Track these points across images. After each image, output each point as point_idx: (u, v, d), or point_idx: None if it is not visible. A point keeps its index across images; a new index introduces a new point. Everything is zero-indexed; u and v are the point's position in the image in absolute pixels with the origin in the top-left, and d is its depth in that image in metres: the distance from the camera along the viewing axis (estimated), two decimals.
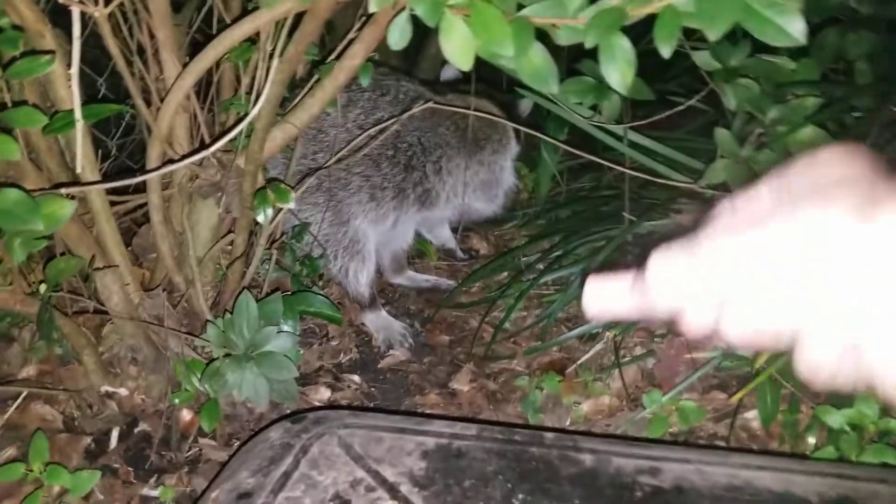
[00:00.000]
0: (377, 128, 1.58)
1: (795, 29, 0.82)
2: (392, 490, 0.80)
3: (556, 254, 1.84)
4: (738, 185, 1.42)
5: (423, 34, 2.06)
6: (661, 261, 0.46)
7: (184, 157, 1.13)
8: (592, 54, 1.01)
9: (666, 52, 0.95)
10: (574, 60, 1.55)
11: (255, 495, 0.80)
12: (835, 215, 0.39)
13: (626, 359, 1.51)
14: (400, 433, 0.91)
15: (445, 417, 1.03)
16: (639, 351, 1.55)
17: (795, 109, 1.35)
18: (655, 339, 1.56)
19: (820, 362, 0.41)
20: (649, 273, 0.46)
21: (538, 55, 1.00)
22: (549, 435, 0.86)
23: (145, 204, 1.35)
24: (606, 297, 0.50)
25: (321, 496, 0.80)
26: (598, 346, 1.57)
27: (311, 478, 0.83)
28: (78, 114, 1.04)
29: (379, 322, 1.78)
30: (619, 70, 0.96)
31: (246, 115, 1.03)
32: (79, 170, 1.04)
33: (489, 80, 1.86)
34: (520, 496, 0.77)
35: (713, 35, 0.84)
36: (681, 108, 1.56)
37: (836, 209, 0.39)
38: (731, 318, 0.43)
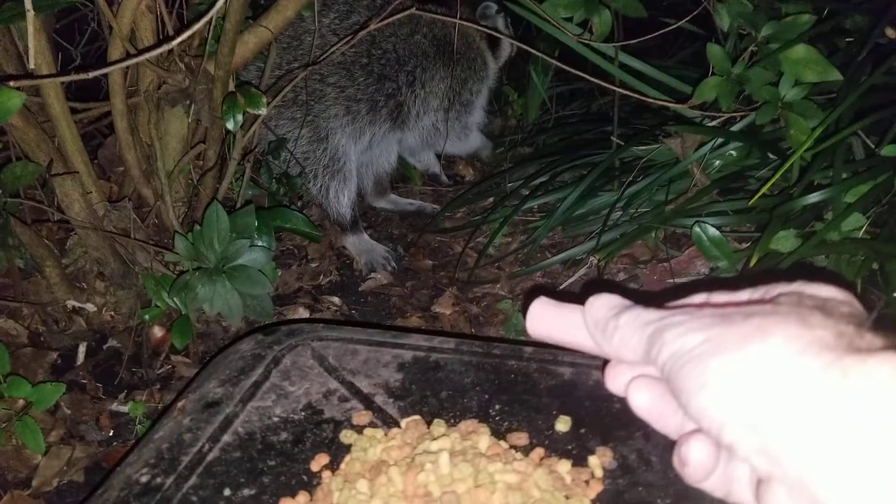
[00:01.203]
0: (361, 34, 1.50)
1: None
2: (366, 400, 0.78)
3: (542, 180, 1.80)
4: (728, 103, 1.35)
5: None
6: (601, 305, 0.48)
7: (142, 51, 1.05)
8: None
9: None
10: None
11: (223, 404, 0.77)
12: (808, 352, 0.35)
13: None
14: (376, 346, 0.87)
15: (425, 332, 1.00)
16: (622, 276, 1.52)
17: (789, 26, 1.29)
18: (639, 265, 1.54)
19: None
20: (586, 314, 0.49)
21: None
22: (529, 349, 0.83)
23: (110, 113, 1.27)
24: (551, 319, 0.52)
25: (292, 406, 0.77)
26: (582, 271, 1.54)
27: (283, 388, 0.80)
28: (29, 3, 0.96)
29: (361, 245, 1.74)
30: None
31: (210, 7, 0.95)
32: (31, 65, 0.96)
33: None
34: (497, 406, 0.74)
35: None
36: (673, 27, 1.49)
37: (812, 347, 0.35)
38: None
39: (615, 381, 0.48)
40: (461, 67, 1.78)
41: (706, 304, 0.45)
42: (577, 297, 0.52)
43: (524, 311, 0.53)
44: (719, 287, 0.47)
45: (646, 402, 0.46)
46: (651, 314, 0.45)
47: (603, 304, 0.48)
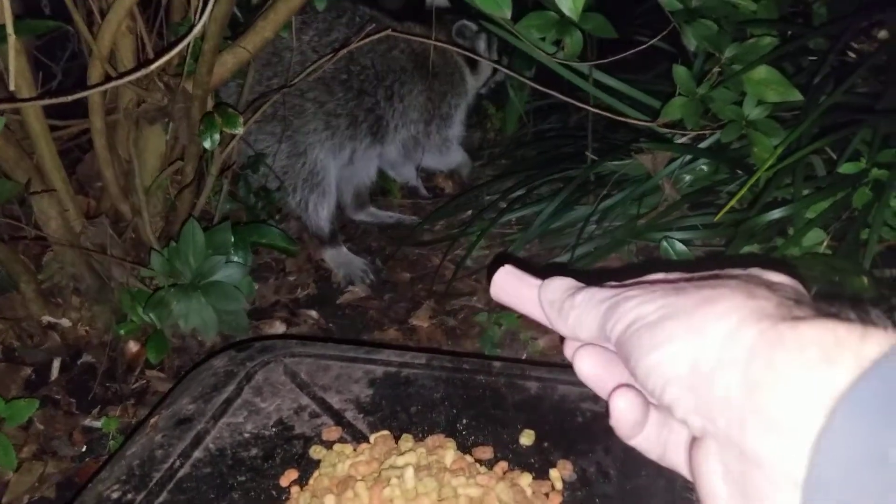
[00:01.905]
0: (339, 54, 1.52)
1: None
2: (337, 416, 0.79)
3: (519, 193, 1.83)
4: (693, 122, 1.38)
5: None
6: (556, 287, 0.49)
7: (122, 74, 1.07)
8: None
9: None
10: None
11: (194, 420, 0.79)
12: (749, 319, 0.37)
13: None
14: (349, 362, 0.89)
15: (397, 347, 1.02)
16: None
17: (751, 48, 1.33)
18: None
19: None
20: (541, 295, 0.50)
21: None
22: (498, 364, 0.86)
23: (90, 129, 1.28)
24: (511, 291, 0.53)
25: (263, 422, 0.79)
26: None
27: (254, 404, 0.82)
28: (10, 27, 0.97)
29: (339, 258, 1.75)
30: None
31: (188, 32, 0.97)
32: (12, 87, 0.97)
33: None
34: (464, 421, 0.76)
35: None
36: (644, 47, 1.53)
37: (754, 314, 0.37)
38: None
39: (568, 353, 0.50)
40: (439, 81, 1.81)
41: (662, 280, 0.47)
42: (541, 271, 0.54)
43: (489, 277, 0.54)
44: (676, 269, 0.49)
45: (590, 368, 0.47)
46: (605, 292, 0.46)
47: (558, 286, 0.49)
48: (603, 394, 0.47)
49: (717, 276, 0.44)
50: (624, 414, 0.44)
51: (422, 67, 1.76)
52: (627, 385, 0.45)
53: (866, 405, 0.31)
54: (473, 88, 1.95)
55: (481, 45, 1.87)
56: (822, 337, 0.34)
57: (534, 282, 0.51)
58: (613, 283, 0.48)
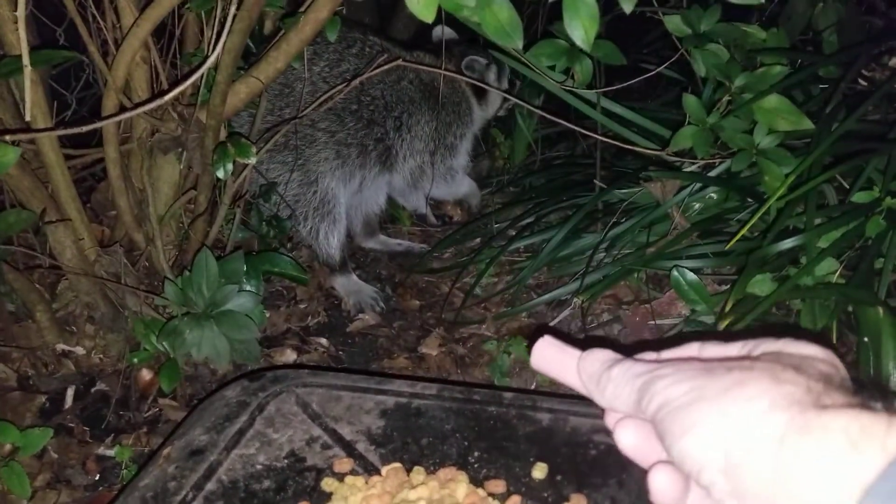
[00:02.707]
0: (349, 86, 1.55)
1: None
2: (348, 447, 0.79)
3: (528, 221, 1.83)
4: (704, 151, 1.38)
5: None
6: (594, 359, 0.51)
7: (137, 105, 1.09)
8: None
9: (627, 7, 0.93)
10: (551, 24, 1.53)
11: (207, 452, 0.79)
12: (777, 406, 0.39)
13: (594, 324, 1.52)
14: (360, 392, 0.89)
15: (408, 378, 1.02)
16: (606, 317, 1.55)
17: (762, 77, 1.34)
18: (623, 306, 1.56)
19: None
20: (580, 368, 0.52)
21: (503, 8, 0.97)
22: (508, 394, 0.86)
23: (104, 158, 1.30)
24: (552, 361, 0.55)
25: (276, 453, 0.79)
26: (566, 312, 1.57)
27: (266, 435, 0.82)
28: (26, 59, 0.99)
29: (349, 286, 1.76)
30: (582, 25, 0.94)
31: (202, 63, 0.99)
32: (28, 117, 0.99)
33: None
34: (476, 453, 0.76)
35: None
36: (652, 73, 1.54)
37: (782, 401, 0.39)
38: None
39: (609, 424, 0.53)
40: (446, 111, 1.83)
41: (695, 357, 0.50)
42: (580, 341, 0.56)
43: (530, 346, 0.57)
44: (712, 339, 0.51)
45: (631, 442, 0.49)
46: (640, 367, 0.48)
47: (596, 358, 0.52)
48: (645, 465, 0.49)
49: (746, 357, 0.46)
50: (662, 492, 0.46)
51: (430, 98, 1.79)
52: (665, 462, 0.46)
53: (893, 496, 0.33)
54: (481, 119, 1.97)
55: (491, 76, 1.89)
56: (849, 426, 0.36)
57: (573, 352, 0.54)
58: (650, 356, 0.51)
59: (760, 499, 0.38)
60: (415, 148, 1.80)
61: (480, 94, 1.91)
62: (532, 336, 0.67)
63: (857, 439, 0.35)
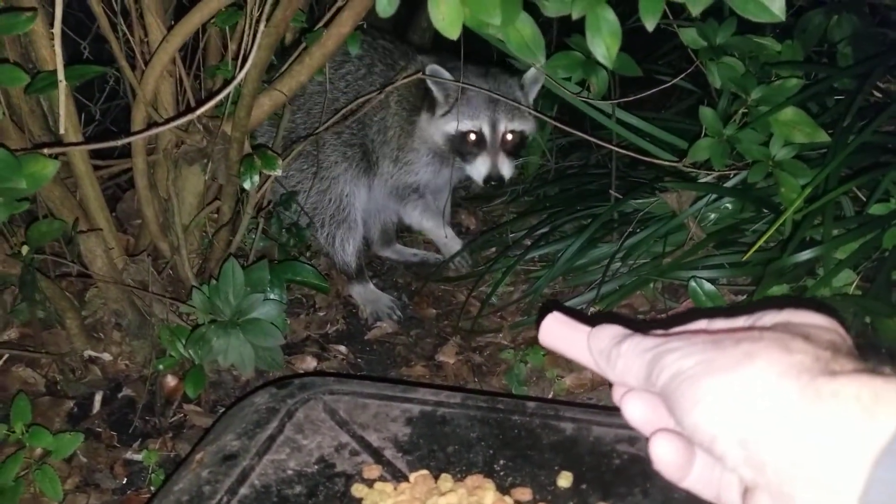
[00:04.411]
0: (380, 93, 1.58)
1: (776, 6, 0.83)
2: (376, 454, 0.81)
3: (543, 230, 1.85)
4: (720, 163, 1.39)
5: (414, 4, 2.04)
6: (604, 335, 0.51)
7: (168, 120, 1.12)
8: (582, 29, 1.02)
9: (650, 25, 0.95)
10: (564, 35, 1.55)
11: (239, 457, 0.81)
12: (788, 375, 0.39)
13: None
14: (385, 400, 0.91)
15: (431, 386, 1.04)
16: None
17: (778, 90, 1.35)
18: (638, 316, 1.58)
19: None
20: (591, 343, 0.52)
21: (526, 25, 1.00)
22: (532, 404, 0.87)
23: (130, 169, 1.33)
24: (560, 336, 0.55)
25: (306, 459, 0.80)
26: None
27: (296, 441, 0.84)
28: (61, 74, 1.02)
29: (366, 294, 1.78)
30: (604, 42, 0.96)
31: (232, 79, 1.02)
32: (61, 131, 1.02)
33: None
34: (501, 461, 0.78)
35: (695, 10, 0.85)
36: (667, 85, 1.56)
37: (792, 370, 0.39)
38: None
39: (616, 397, 0.52)
40: (409, 122, 1.74)
41: (703, 330, 0.50)
42: (588, 318, 0.56)
43: (538, 323, 0.56)
44: (718, 315, 0.51)
45: (639, 414, 0.49)
46: (649, 341, 0.48)
47: (606, 333, 0.52)
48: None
49: (753, 328, 0.46)
50: (665, 459, 0.46)
51: (398, 104, 1.74)
52: (667, 430, 0.47)
53: None
54: (432, 135, 1.73)
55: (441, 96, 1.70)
56: (860, 391, 0.37)
57: (582, 328, 0.54)
58: (659, 332, 0.50)
59: (776, 466, 0.38)
60: (384, 152, 1.76)
61: (431, 106, 1.71)
62: (541, 312, 0.67)
63: (869, 404, 0.36)
